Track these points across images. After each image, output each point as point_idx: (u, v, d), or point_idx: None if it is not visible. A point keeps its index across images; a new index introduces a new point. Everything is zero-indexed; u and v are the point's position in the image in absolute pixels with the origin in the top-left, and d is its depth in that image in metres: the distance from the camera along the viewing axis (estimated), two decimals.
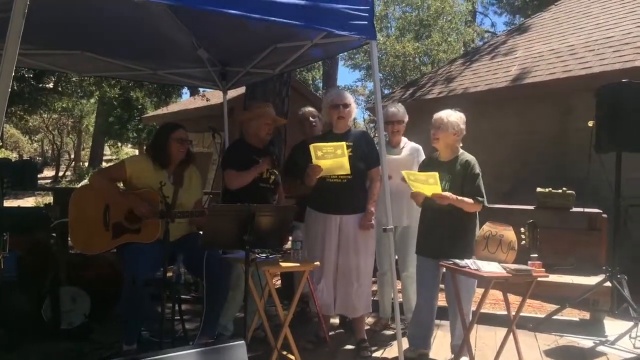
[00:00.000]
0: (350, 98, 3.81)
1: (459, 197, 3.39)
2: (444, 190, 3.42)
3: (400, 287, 4.30)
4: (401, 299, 4.27)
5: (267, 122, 3.86)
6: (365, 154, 3.71)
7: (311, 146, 3.45)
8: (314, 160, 3.46)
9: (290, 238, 3.55)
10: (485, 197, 3.46)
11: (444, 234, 3.51)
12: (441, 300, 3.75)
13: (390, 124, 4.18)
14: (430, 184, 3.38)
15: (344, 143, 3.45)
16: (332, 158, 3.44)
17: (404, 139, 4.29)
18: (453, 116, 3.56)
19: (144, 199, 3.45)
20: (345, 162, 3.46)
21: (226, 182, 3.77)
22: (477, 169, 3.50)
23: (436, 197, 3.39)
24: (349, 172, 3.54)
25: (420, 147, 4.25)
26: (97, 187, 3.57)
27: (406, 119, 4.23)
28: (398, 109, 4.22)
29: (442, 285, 3.74)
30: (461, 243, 3.47)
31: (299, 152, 4.00)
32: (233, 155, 3.89)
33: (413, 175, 3.51)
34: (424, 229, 3.72)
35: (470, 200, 3.40)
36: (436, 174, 3.36)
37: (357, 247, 3.67)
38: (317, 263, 3.42)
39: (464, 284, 3.39)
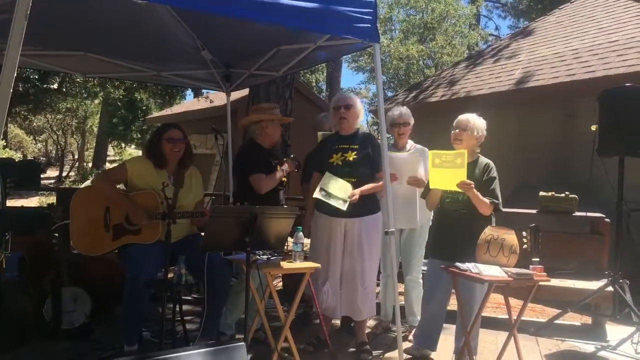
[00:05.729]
0: (353, 100, 3.82)
1: (479, 194, 3.37)
2: (462, 196, 3.42)
3: (402, 290, 4.29)
4: (403, 302, 4.26)
5: (280, 124, 3.91)
6: (372, 159, 3.69)
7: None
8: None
9: (292, 240, 3.55)
10: (500, 200, 3.45)
11: (458, 237, 3.48)
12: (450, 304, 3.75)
13: (396, 126, 4.16)
14: (457, 166, 3.27)
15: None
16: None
17: (409, 142, 4.27)
18: (478, 120, 3.56)
19: (142, 201, 3.46)
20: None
21: (256, 186, 3.69)
22: (494, 173, 3.49)
23: (461, 185, 3.31)
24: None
25: (426, 149, 4.19)
26: (98, 188, 3.59)
27: (412, 121, 4.20)
28: (402, 111, 4.20)
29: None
30: (474, 247, 3.37)
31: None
32: (256, 159, 3.81)
33: (438, 157, 3.38)
34: (437, 232, 3.72)
35: (487, 201, 3.39)
36: (464, 151, 3.29)
37: (362, 250, 3.66)
38: (319, 265, 3.41)
39: (478, 287, 3.37)
